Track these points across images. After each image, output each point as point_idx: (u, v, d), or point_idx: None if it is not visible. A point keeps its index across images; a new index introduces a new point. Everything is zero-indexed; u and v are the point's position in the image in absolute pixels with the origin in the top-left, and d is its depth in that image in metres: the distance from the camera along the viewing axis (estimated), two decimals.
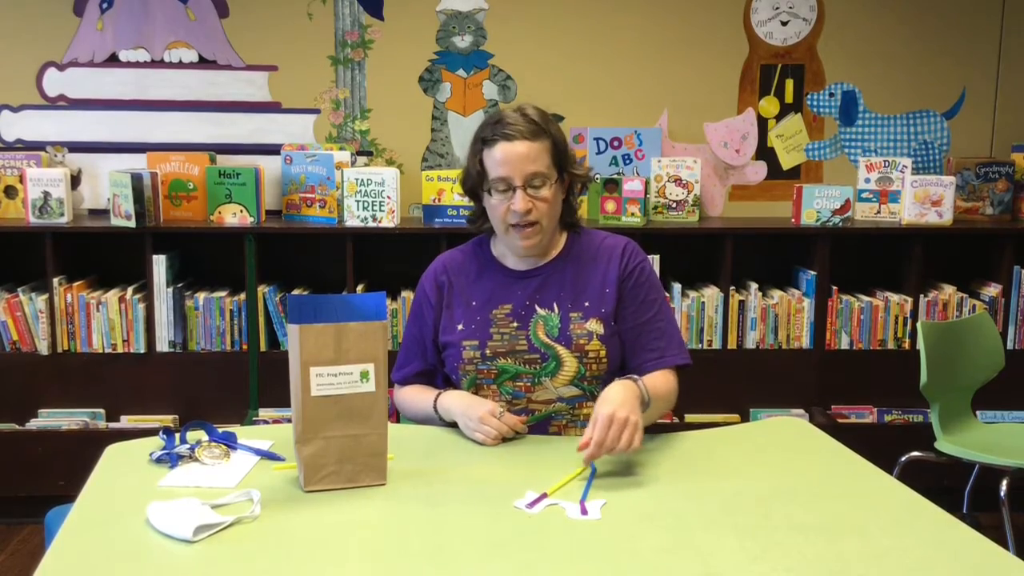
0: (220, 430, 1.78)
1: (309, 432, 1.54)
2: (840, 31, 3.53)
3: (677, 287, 3.32)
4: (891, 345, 3.34)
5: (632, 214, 3.31)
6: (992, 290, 3.36)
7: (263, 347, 3.26)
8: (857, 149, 3.58)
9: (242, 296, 3.24)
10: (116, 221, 3.20)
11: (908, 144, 3.59)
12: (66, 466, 3.02)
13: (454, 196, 3.19)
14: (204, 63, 3.46)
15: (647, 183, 3.32)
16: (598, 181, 3.32)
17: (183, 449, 1.71)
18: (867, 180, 3.43)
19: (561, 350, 1.89)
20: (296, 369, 1.54)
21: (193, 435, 1.76)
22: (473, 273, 2.00)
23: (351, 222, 3.22)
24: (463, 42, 3.49)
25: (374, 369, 1.57)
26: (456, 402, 1.88)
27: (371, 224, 3.21)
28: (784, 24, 3.53)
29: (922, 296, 3.33)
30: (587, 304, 1.92)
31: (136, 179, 3.09)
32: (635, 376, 1.76)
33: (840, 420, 3.32)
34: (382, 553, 1.35)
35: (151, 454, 1.70)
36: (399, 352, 2.06)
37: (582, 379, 1.89)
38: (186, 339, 3.25)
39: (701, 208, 3.47)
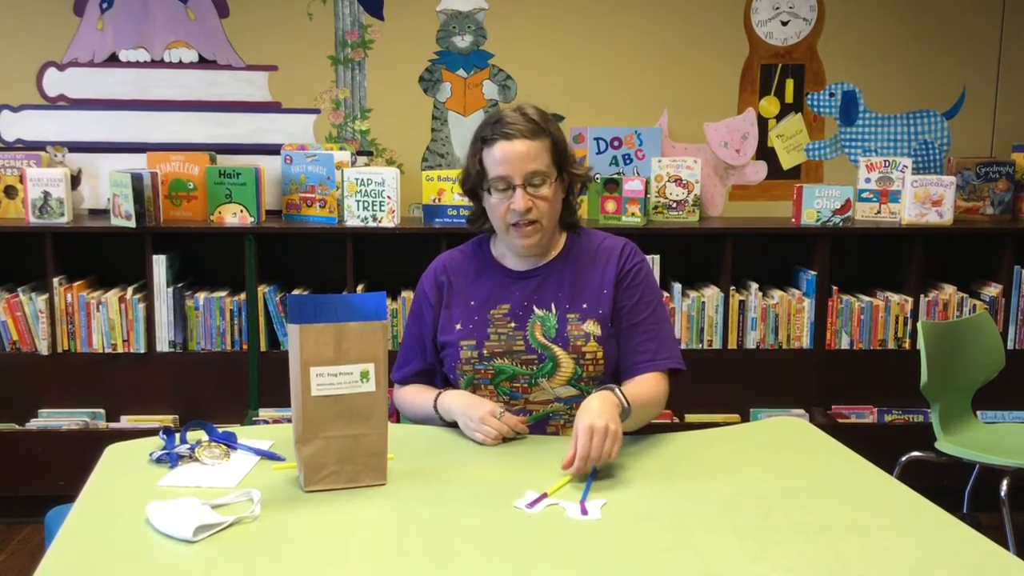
0: (220, 430, 1.78)
1: (309, 432, 1.54)
2: (840, 31, 3.53)
3: (677, 287, 3.32)
4: (891, 345, 3.34)
5: (632, 214, 3.31)
6: (992, 290, 3.36)
7: (263, 347, 3.26)
8: (857, 149, 3.58)
9: (242, 296, 3.24)
10: (116, 221, 3.20)
11: (908, 144, 3.59)
12: (66, 466, 3.01)
13: (454, 196, 3.19)
14: (204, 63, 3.47)
15: (647, 183, 3.32)
16: (598, 181, 3.32)
17: (183, 449, 1.71)
18: (867, 180, 3.43)
19: (558, 351, 1.89)
20: (296, 369, 1.54)
21: (193, 435, 1.76)
22: (472, 273, 2.00)
23: (351, 222, 3.22)
24: (463, 42, 3.49)
25: (374, 369, 1.56)
26: (456, 402, 1.88)
27: (371, 224, 3.21)
28: (784, 24, 3.53)
29: (922, 296, 3.33)
30: (585, 305, 1.92)
31: (136, 179, 3.09)
32: (613, 386, 1.76)
33: (840, 420, 3.32)
34: (382, 553, 1.35)
35: (151, 454, 1.70)
36: (399, 352, 2.07)
37: (579, 380, 1.89)
38: (186, 339, 3.25)
39: (701, 208, 3.47)
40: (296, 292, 3.33)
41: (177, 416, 3.27)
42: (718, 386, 3.31)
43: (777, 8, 3.52)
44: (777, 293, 3.36)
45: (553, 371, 1.89)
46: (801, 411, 3.35)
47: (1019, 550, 2.71)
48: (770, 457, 1.77)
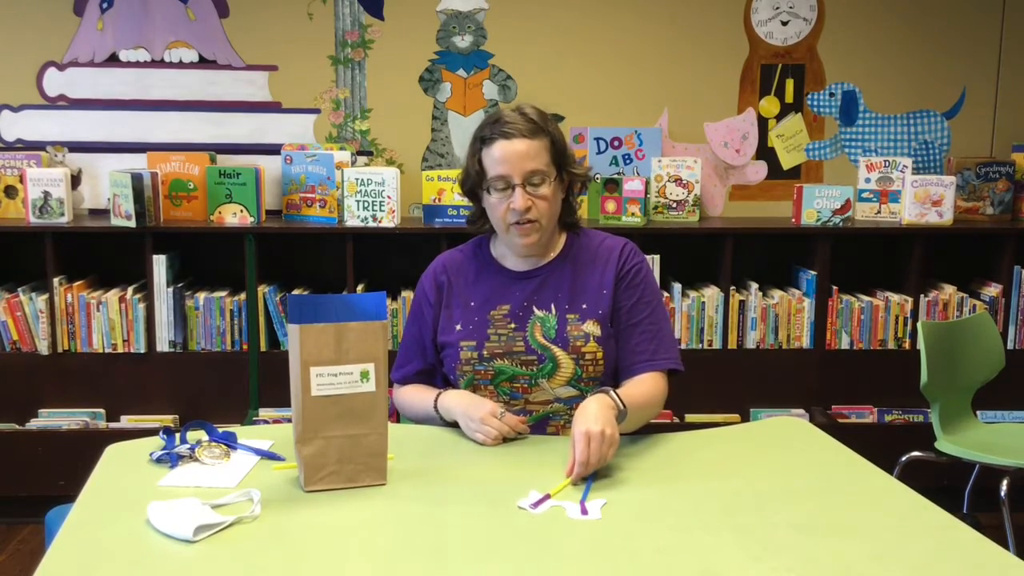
0: (220, 430, 1.78)
1: (309, 432, 1.54)
2: (840, 31, 3.53)
3: (677, 287, 3.32)
4: (891, 345, 3.34)
5: (632, 214, 3.31)
6: (992, 290, 3.36)
7: (263, 347, 3.26)
8: (857, 149, 3.58)
9: (242, 296, 3.24)
10: (116, 221, 3.20)
11: (908, 144, 3.59)
12: (66, 466, 3.02)
13: (454, 196, 3.19)
14: (204, 63, 3.47)
15: (647, 183, 3.32)
16: (598, 181, 3.32)
17: (183, 449, 1.71)
18: (867, 180, 3.43)
19: (558, 352, 1.89)
20: (296, 369, 1.54)
21: (193, 435, 1.76)
22: (472, 274, 2.00)
23: (351, 222, 3.22)
24: (463, 42, 3.49)
25: (374, 369, 1.57)
26: (457, 402, 1.88)
27: (371, 224, 3.21)
28: (784, 24, 3.53)
29: (922, 296, 3.33)
30: (584, 306, 1.92)
31: (136, 179, 3.09)
32: (609, 388, 1.76)
33: (840, 420, 3.32)
34: (382, 553, 1.35)
35: (151, 454, 1.70)
36: (398, 352, 2.06)
37: (579, 380, 1.89)
38: (186, 339, 3.25)
39: (701, 208, 3.47)
40: (296, 292, 3.33)
41: (177, 416, 3.27)
42: (718, 386, 3.31)
43: (777, 8, 3.52)
44: (777, 293, 3.36)
45: (553, 372, 1.89)
46: (801, 411, 3.35)
47: (1019, 550, 2.71)
48: (770, 457, 1.77)
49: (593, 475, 1.61)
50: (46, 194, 3.21)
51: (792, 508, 1.50)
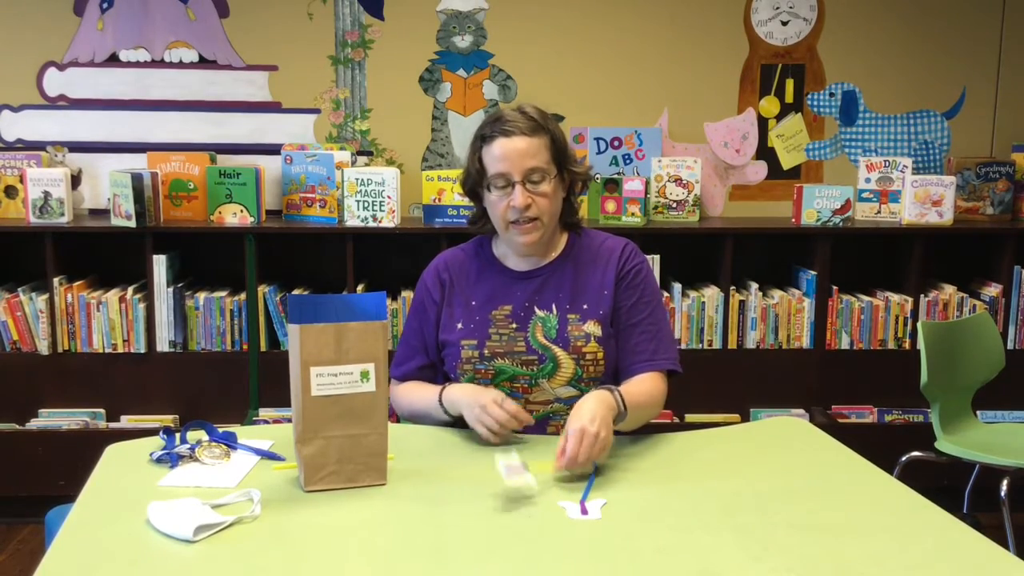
0: (220, 430, 1.78)
1: (309, 432, 1.54)
2: (840, 31, 3.53)
3: (677, 287, 3.32)
4: (891, 345, 3.34)
5: (632, 214, 3.31)
6: (992, 290, 3.36)
7: (263, 347, 3.26)
8: (857, 149, 3.58)
9: (242, 296, 3.24)
10: (116, 221, 3.20)
11: (908, 144, 3.59)
12: (66, 466, 3.02)
13: (454, 196, 3.19)
14: (204, 63, 3.47)
15: (647, 183, 3.32)
16: (598, 180, 3.32)
17: (183, 449, 1.71)
18: (867, 180, 3.43)
19: (558, 352, 1.89)
20: (296, 369, 1.54)
21: (193, 435, 1.76)
22: (474, 273, 2.00)
23: (351, 222, 3.22)
24: (463, 42, 3.49)
25: (374, 369, 1.57)
26: (461, 393, 1.85)
27: (371, 224, 3.21)
28: (784, 24, 3.53)
29: (922, 296, 3.33)
30: (585, 306, 1.92)
31: (136, 179, 3.09)
32: (612, 387, 1.76)
33: (840, 420, 3.32)
34: (382, 553, 1.35)
35: (151, 454, 1.70)
36: (397, 349, 2.05)
37: (579, 380, 1.89)
38: (186, 339, 3.25)
39: (701, 208, 3.47)
40: (296, 292, 3.33)
41: (177, 416, 3.27)
42: (718, 386, 3.31)
43: (777, 8, 3.52)
44: (777, 293, 3.36)
45: (553, 372, 1.89)
46: (801, 411, 3.35)
47: (1019, 550, 2.71)
48: (770, 457, 1.77)
49: (593, 475, 1.61)
50: (46, 194, 3.21)
51: (792, 508, 1.50)
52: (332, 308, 1.56)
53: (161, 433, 1.75)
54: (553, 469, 1.61)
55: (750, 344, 3.33)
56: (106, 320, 3.21)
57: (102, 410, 3.27)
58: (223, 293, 3.28)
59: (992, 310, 3.31)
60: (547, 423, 1.91)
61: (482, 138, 1.89)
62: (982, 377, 3.01)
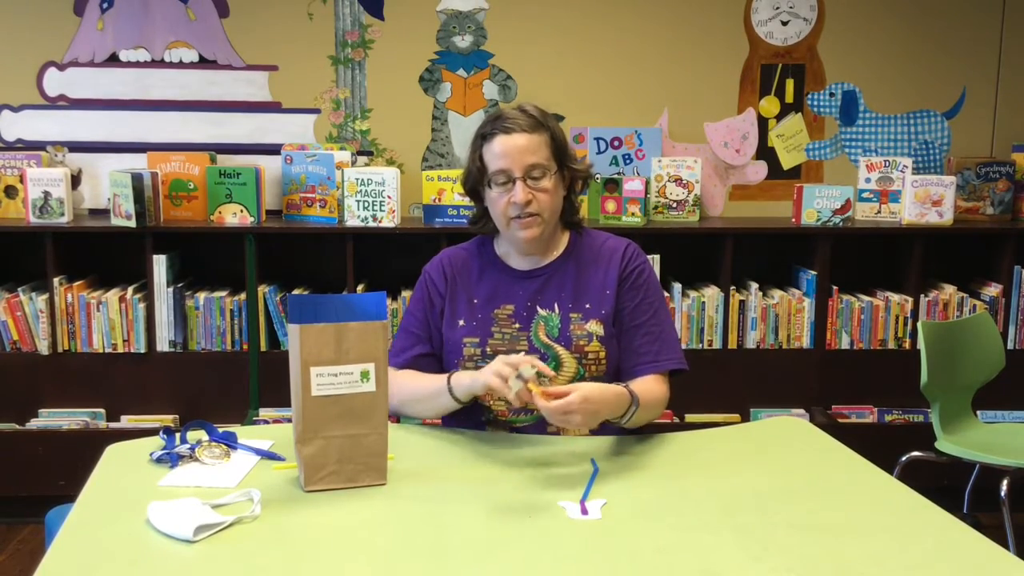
0: (220, 430, 1.78)
1: (309, 432, 1.54)
2: (840, 31, 3.53)
3: (677, 287, 3.32)
4: (891, 345, 3.34)
5: (632, 214, 3.31)
6: (992, 290, 3.36)
7: (263, 347, 3.26)
8: (857, 149, 3.58)
9: (242, 296, 3.24)
10: (116, 221, 3.20)
11: (908, 144, 3.59)
12: (66, 466, 3.01)
13: (454, 196, 3.19)
14: (204, 63, 3.47)
15: (647, 183, 3.32)
16: (598, 180, 3.32)
17: (183, 449, 1.71)
18: (867, 180, 3.43)
19: (561, 351, 1.89)
20: (296, 369, 1.54)
21: (193, 435, 1.76)
22: (476, 271, 2.00)
23: (351, 222, 3.22)
24: (463, 42, 3.49)
25: (374, 369, 1.57)
26: (472, 372, 1.81)
27: (371, 224, 3.21)
28: (784, 24, 3.53)
29: (922, 296, 3.33)
30: (588, 306, 1.92)
31: (136, 179, 3.09)
32: (636, 395, 1.76)
33: (840, 420, 3.32)
34: (382, 553, 1.35)
35: (151, 454, 1.70)
36: (396, 337, 2.02)
37: (581, 379, 1.89)
38: (186, 339, 3.25)
39: (701, 208, 3.47)
40: (296, 292, 3.33)
41: (177, 416, 3.27)
42: (718, 386, 3.31)
43: (777, 8, 3.52)
44: (777, 293, 3.36)
45: (556, 371, 1.88)
46: (801, 411, 3.35)
47: (1019, 550, 2.71)
48: (770, 457, 1.77)
49: (593, 475, 1.61)
50: (46, 194, 3.21)
51: (792, 508, 1.50)
52: (332, 308, 1.56)
53: (161, 433, 1.75)
54: (540, 395, 1.62)
55: (750, 344, 3.33)
56: (106, 320, 3.21)
57: (102, 410, 3.27)
58: (223, 293, 3.28)
59: (992, 310, 3.31)
60: (547, 422, 1.90)
61: (483, 136, 1.89)
62: (982, 377, 3.01)
